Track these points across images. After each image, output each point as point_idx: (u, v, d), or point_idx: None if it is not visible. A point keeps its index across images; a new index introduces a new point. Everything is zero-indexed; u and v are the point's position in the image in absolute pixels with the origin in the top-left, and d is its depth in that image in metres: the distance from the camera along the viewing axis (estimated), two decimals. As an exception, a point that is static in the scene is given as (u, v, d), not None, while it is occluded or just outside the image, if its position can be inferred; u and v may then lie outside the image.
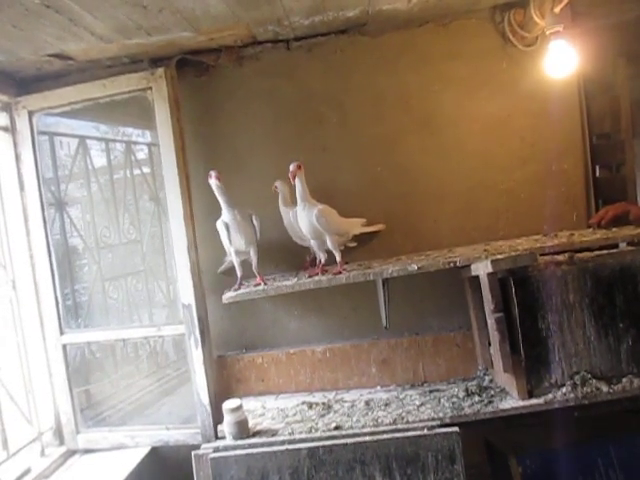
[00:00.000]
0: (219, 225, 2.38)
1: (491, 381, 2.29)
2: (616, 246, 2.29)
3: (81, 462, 2.56)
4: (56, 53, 2.33)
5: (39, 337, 2.61)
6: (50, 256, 2.58)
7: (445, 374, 2.49)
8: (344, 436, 1.89)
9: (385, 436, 1.86)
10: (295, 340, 2.65)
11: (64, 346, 2.60)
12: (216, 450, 1.92)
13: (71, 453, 2.62)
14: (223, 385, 2.59)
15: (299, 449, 1.86)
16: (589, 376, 1.98)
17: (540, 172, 2.54)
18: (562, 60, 2.13)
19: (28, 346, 2.58)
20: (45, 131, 2.67)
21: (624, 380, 1.98)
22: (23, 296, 2.58)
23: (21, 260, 2.59)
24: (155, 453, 2.57)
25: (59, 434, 2.64)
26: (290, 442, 1.91)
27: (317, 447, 1.85)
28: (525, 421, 2.15)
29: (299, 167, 2.25)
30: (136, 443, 2.56)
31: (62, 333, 2.59)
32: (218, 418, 2.45)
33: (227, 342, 2.68)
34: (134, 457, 2.48)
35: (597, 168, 2.69)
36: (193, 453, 1.95)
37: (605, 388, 1.95)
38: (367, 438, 1.86)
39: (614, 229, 2.34)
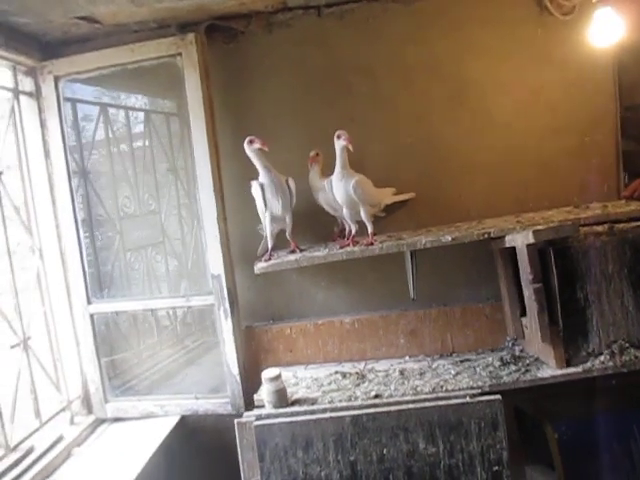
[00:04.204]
0: (254, 187, 2.36)
1: (521, 351, 2.31)
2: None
3: (111, 430, 2.58)
4: (85, 15, 2.28)
5: (66, 307, 2.61)
6: (77, 225, 2.57)
7: (473, 345, 2.51)
8: (386, 404, 1.91)
9: (428, 404, 1.88)
10: (322, 311, 2.66)
11: (92, 315, 2.60)
12: (259, 418, 1.93)
13: (100, 422, 2.64)
14: (251, 356, 2.60)
15: (342, 417, 1.88)
16: (627, 345, 2.01)
17: (571, 143, 2.52)
18: (609, 29, 2.09)
19: (55, 315, 2.57)
20: (68, 98, 2.62)
21: (662, 349, 2.01)
22: (50, 265, 2.57)
23: (47, 229, 2.57)
24: (183, 422, 2.59)
25: (87, 403, 2.65)
26: (332, 410, 1.93)
27: (360, 415, 1.87)
28: (554, 390, 2.18)
29: (339, 137, 2.22)
30: (165, 412, 2.58)
31: (89, 303, 2.59)
32: (247, 388, 2.48)
33: (254, 313, 2.68)
34: (164, 426, 2.50)
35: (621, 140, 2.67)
36: (236, 421, 1.97)
37: (644, 356, 1.98)
38: (410, 406, 1.88)
39: (647, 201, 2.34)
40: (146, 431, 2.49)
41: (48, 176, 2.56)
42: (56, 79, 2.48)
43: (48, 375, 2.47)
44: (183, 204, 3.09)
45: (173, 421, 2.54)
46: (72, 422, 2.55)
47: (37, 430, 2.33)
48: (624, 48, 2.50)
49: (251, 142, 2.27)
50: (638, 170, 2.67)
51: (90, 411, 2.66)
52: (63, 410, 2.53)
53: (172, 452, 2.45)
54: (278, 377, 2.03)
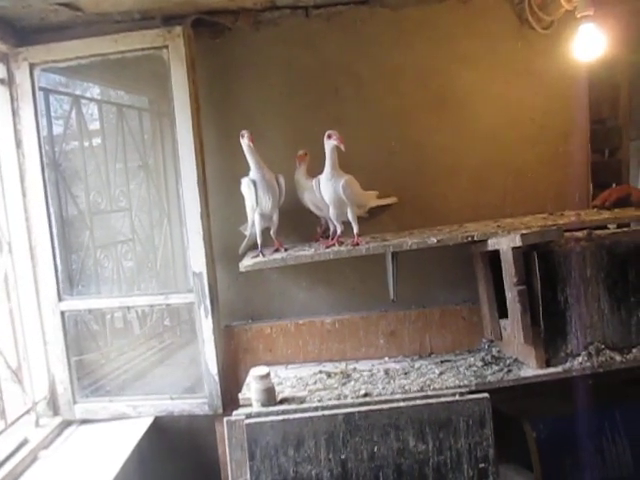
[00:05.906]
0: (245, 184, 2.33)
1: (499, 352, 2.37)
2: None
3: (79, 433, 2.48)
4: (67, 2, 2.19)
5: (34, 303, 2.49)
6: (50, 218, 2.46)
7: (451, 346, 2.56)
8: (377, 402, 1.92)
9: (419, 402, 1.90)
10: (302, 311, 2.65)
11: (62, 313, 2.49)
12: (249, 416, 1.90)
13: (67, 424, 2.53)
14: (230, 355, 2.57)
15: (335, 415, 1.87)
16: (602, 346, 2.10)
17: (548, 153, 2.62)
18: (591, 44, 2.19)
19: (23, 312, 2.45)
20: (41, 87, 2.51)
21: (634, 350, 2.11)
22: (18, 260, 2.45)
23: (16, 222, 2.45)
24: (156, 423, 2.51)
25: (53, 404, 2.54)
26: (324, 408, 1.92)
27: (353, 413, 1.88)
28: (529, 390, 2.25)
29: (330, 136, 2.21)
30: (139, 413, 2.50)
31: (60, 299, 2.48)
32: (226, 388, 2.44)
33: (233, 312, 2.64)
34: (137, 427, 2.43)
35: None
36: (225, 419, 1.93)
37: (618, 357, 2.07)
38: (401, 404, 1.90)
39: (616, 210, 2.45)
40: (118, 433, 2.40)
41: (19, 167, 2.45)
42: (31, 67, 2.37)
43: (17, 375, 2.35)
44: (154, 201, 3.03)
45: (147, 422, 2.46)
46: (37, 424, 2.43)
47: (2, 432, 2.21)
48: (592, 64, 2.64)
49: (242, 136, 2.24)
50: (602, 181, 2.82)
51: (56, 412, 2.54)
52: (27, 412, 2.41)
53: (146, 455, 2.37)
54: (267, 375, 2.01)
